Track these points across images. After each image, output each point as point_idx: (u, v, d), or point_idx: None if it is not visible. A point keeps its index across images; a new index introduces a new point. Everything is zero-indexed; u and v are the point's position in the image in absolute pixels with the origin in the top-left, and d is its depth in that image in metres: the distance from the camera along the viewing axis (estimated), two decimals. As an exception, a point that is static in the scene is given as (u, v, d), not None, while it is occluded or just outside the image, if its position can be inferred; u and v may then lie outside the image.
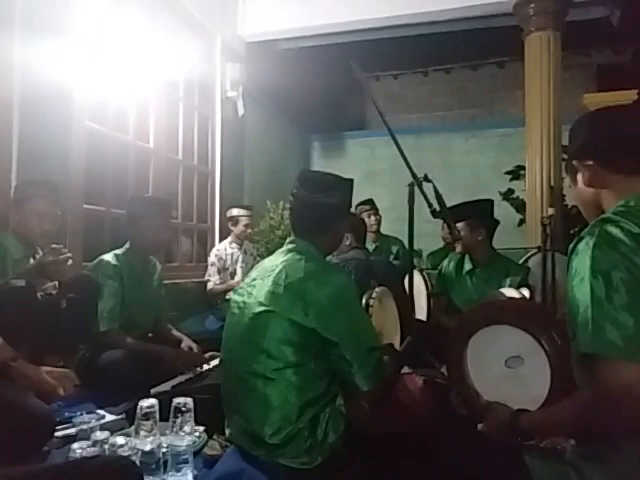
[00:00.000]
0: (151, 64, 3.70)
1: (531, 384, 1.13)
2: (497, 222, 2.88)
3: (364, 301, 1.85)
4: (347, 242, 2.66)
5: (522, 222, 4.83)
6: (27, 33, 2.59)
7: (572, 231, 4.07)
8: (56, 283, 2.06)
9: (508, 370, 1.17)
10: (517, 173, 5.19)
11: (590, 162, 1.13)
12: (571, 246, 1.03)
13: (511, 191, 5.38)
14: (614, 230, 0.96)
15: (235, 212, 4.06)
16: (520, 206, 5.05)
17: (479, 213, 2.80)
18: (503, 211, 5.27)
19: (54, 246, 1.99)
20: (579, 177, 1.18)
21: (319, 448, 1.42)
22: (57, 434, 1.64)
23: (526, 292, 2.45)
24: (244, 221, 4.02)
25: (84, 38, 3.04)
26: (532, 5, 4.10)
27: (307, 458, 1.42)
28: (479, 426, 1.17)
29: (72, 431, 1.66)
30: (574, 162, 1.19)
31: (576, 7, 4.18)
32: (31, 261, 2.14)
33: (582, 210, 1.24)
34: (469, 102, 6.75)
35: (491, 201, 2.92)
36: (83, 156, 3.08)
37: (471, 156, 6.27)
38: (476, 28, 4.62)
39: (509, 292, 2.40)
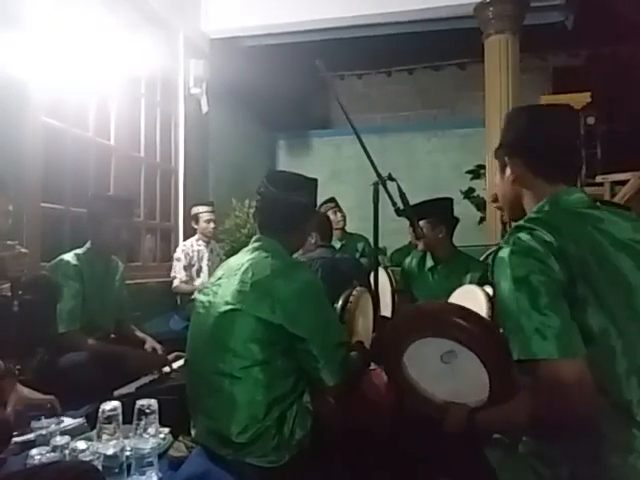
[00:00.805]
0: (112, 59, 3.61)
1: (471, 372, 1.17)
2: (457, 220, 2.95)
3: (342, 300, 1.86)
4: (312, 241, 2.67)
5: (482, 220, 4.95)
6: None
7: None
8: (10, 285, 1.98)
9: (446, 365, 1.21)
10: (477, 172, 5.32)
11: (516, 160, 1.18)
12: (491, 256, 1.08)
13: (472, 190, 5.51)
14: (527, 237, 1.02)
15: (195, 210, 4.04)
16: (480, 204, 5.18)
17: (440, 211, 2.87)
18: (464, 209, 5.38)
19: (9, 242, 1.92)
20: (506, 173, 1.22)
21: (286, 446, 1.43)
22: (14, 440, 1.59)
23: (489, 289, 2.51)
24: (205, 217, 3.98)
25: (42, 31, 2.94)
26: (491, 8, 4.20)
27: (274, 456, 1.42)
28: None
29: (30, 436, 1.61)
30: (504, 157, 1.22)
31: (533, 11, 4.32)
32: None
33: (504, 206, 1.28)
34: (431, 102, 6.86)
35: (451, 199, 2.99)
36: (40, 152, 2.99)
37: (433, 155, 6.38)
38: (438, 30, 4.70)
39: (472, 290, 2.45)
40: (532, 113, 1.22)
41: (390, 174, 1.80)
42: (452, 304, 1.27)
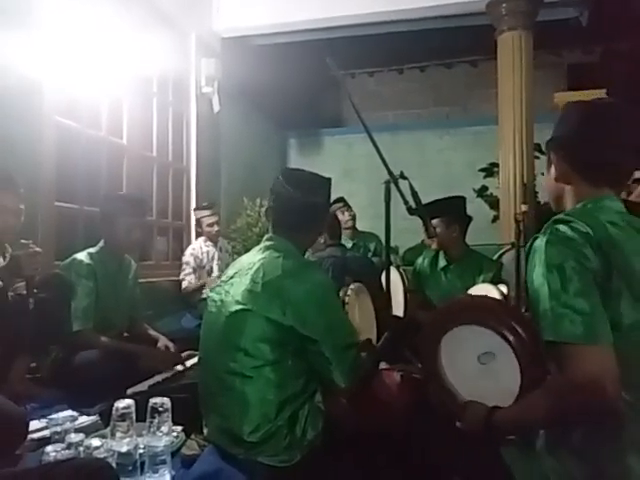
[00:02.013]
0: (125, 59, 3.63)
1: (504, 379, 1.15)
2: (470, 218, 2.93)
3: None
4: (321, 240, 2.67)
5: (496, 219, 4.91)
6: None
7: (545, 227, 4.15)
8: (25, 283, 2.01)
9: (481, 366, 1.19)
10: (491, 170, 5.27)
11: (561, 156, 1.16)
12: (527, 246, 1.08)
13: (485, 188, 5.47)
14: (565, 228, 1.03)
15: (197, 214, 4.06)
16: (494, 203, 5.13)
17: (453, 210, 2.85)
18: (477, 208, 5.34)
19: (23, 241, 1.94)
20: (552, 169, 1.20)
21: (298, 445, 1.43)
22: (30, 437, 1.61)
23: (504, 288, 2.49)
24: (207, 221, 3.98)
25: (55, 32, 2.97)
26: (504, 5, 4.16)
27: (286, 456, 1.42)
28: (457, 424, 1.19)
29: (46, 433, 1.63)
30: (549, 151, 1.21)
31: (547, 7, 4.27)
32: (0, 260, 2.08)
33: (549, 200, 1.28)
34: (443, 100, 6.82)
35: (463, 198, 2.97)
36: (54, 152, 3.01)
37: (445, 153, 6.34)
38: (450, 27, 4.67)
39: (487, 289, 2.43)
40: (587, 108, 1.17)
41: (402, 172, 1.79)
42: (509, 304, 1.24)
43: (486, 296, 1.46)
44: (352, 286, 2.03)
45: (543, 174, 1.50)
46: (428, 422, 1.35)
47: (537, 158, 4.26)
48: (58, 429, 1.59)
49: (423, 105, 6.90)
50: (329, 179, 1.69)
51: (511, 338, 1.13)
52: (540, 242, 1.05)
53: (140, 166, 3.92)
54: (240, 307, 1.48)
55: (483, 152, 5.53)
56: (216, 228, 3.99)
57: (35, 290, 2.00)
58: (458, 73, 6.76)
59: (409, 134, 6.45)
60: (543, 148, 4.72)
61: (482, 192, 5.47)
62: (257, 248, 1.65)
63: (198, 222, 4.04)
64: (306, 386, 1.49)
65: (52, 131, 3.00)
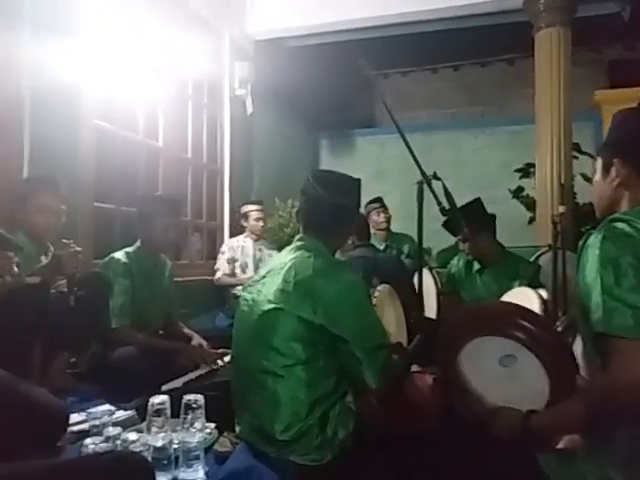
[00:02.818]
0: (160, 62, 3.71)
1: (530, 380, 1.13)
2: (494, 216, 2.87)
3: None
4: (350, 241, 2.66)
5: (532, 220, 4.80)
6: (36, 32, 2.61)
7: (583, 229, 4.04)
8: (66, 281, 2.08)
9: (504, 369, 1.17)
10: (527, 171, 5.16)
11: (625, 161, 1.13)
12: (581, 242, 1.06)
13: (521, 189, 5.35)
14: (622, 225, 1.02)
15: (246, 208, 4.12)
16: (530, 204, 5.02)
17: (476, 217, 2.76)
18: (513, 209, 5.25)
19: (64, 241, 2.01)
20: (611, 173, 1.17)
21: (329, 445, 1.43)
22: (70, 429, 1.66)
23: (544, 292, 2.42)
24: (255, 215, 4.05)
25: (93, 37, 3.06)
26: (542, 1, 4.06)
27: (317, 455, 1.42)
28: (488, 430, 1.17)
29: (85, 426, 1.68)
30: (611, 157, 1.18)
31: (586, 3, 4.15)
32: (42, 258, 2.16)
33: (596, 206, 1.25)
34: (478, 99, 6.70)
35: (478, 198, 2.89)
36: (93, 154, 3.10)
37: (481, 153, 6.23)
38: (485, 25, 4.59)
39: (525, 293, 2.37)
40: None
41: (435, 173, 1.77)
42: (519, 305, 1.22)
43: (499, 302, 1.43)
44: (380, 287, 2.02)
45: (583, 175, 1.46)
46: (460, 425, 1.33)
47: (575, 158, 4.14)
48: (97, 422, 1.64)
49: (457, 104, 6.80)
50: (359, 180, 1.69)
51: (526, 340, 1.11)
52: (595, 239, 1.03)
53: (175, 167, 4.00)
54: (272, 306, 1.49)
55: (519, 152, 5.41)
56: (261, 224, 4.07)
57: (75, 288, 2.06)
58: (493, 72, 6.64)
59: (443, 134, 6.37)
60: (582, 148, 4.62)
61: (518, 193, 5.35)
62: (289, 248, 1.66)
63: (245, 216, 4.10)
64: (337, 386, 1.49)
65: (91, 134, 3.09)
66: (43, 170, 2.55)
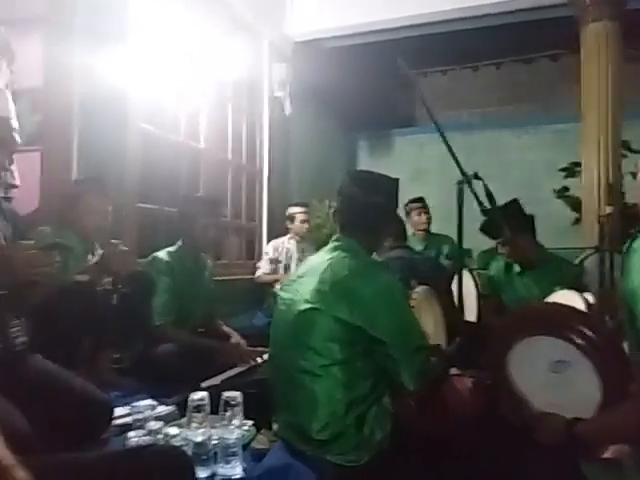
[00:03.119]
0: (202, 66, 3.79)
1: (582, 389, 1.09)
2: (532, 217, 2.79)
3: None
4: (385, 243, 2.64)
5: (578, 221, 4.65)
6: (86, 40, 2.71)
7: (632, 230, 3.87)
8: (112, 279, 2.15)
9: (555, 375, 1.13)
10: (572, 170, 4.98)
11: None
12: (626, 245, 1.02)
13: (566, 189, 5.18)
14: None
15: (291, 210, 4.17)
16: (575, 204, 4.85)
17: (515, 217, 2.67)
18: (557, 209, 5.09)
19: (113, 241, 2.08)
20: None
21: (366, 446, 1.43)
22: (114, 422, 1.71)
23: (589, 296, 2.33)
24: (300, 217, 4.11)
25: (140, 43, 3.15)
26: (588, -6, 3.93)
27: (354, 456, 1.42)
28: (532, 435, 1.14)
29: (128, 420, 1.73)
30: None
31: (638, -6, 3.98)
32: (89, 257, 2.24)
33: None
34: (521, 97, 6.52)
35: (515, 199, 2.80)
36: (138, 156, 3.19)
37: (523, 153, 6.07)
38: (528, 20, 4.46)
39: (569, 296, 2.29)
40: None
41: (476, 173, 1.74)
42: (578, 309, 1.18)
43: (558, 304, 1.38)
44: (418, 289, 2.00)
45: (633, 174, 1.40)
46: (499, 430, 1.31)
47: (624, 157, 3.98)
48: (139, 416, 1.69)
49: (499, 103, 6.64)
50: (396, 180, 1.68)
51: (587, 347, 1.07)
52: None
53: (216, 169, 4.07)
54: (309, 306, 1.50)
55: (564, 151, 5.24)
56: (306, 226, 4.12)
57: (120, 286, 2.14)
58: (537, 69, 6.45)
59: (484, 133, 6.24)
60: (632, 146, 4.43)
61: (563, 193, 5.19)
62: (326, 248, 1.66)
63: (291, 218, 4.15)
64: (375, 387, 1.49)
65: (137, 137, 3.17)
66: (91, 172, 2.65)
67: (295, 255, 4.08)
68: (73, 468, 1.06)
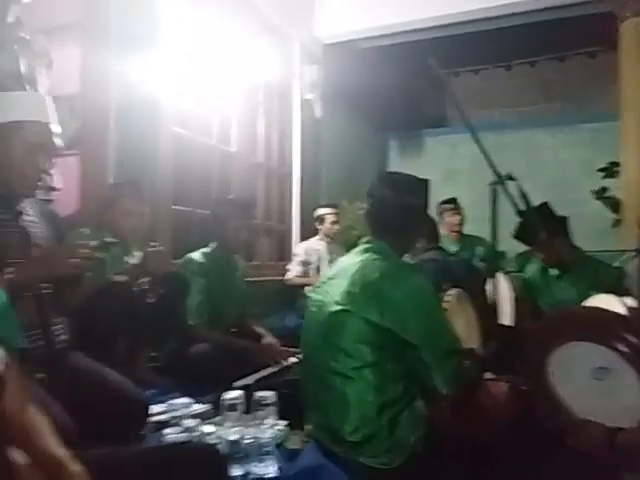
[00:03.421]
0: (233, 70, 3.84)
1: (624, 397, 1.05)
2: (566, 219, 2.72)
3: None
4: (419, 245, 2.61)
5: (617, 223, 4.50)
6: (120, 46, 2.78)
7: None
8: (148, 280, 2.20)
9: (596, 382, 1.10)
10: (611, 170, 4.84)
11: None
12: None
13: (604, 189, 5.03)
14: None
15: (321, 211, 4.19)
16: (615, 205, 4.70)
17: (547, 219, 2.61)
18: (596, 211, 4.95)
19: (151, 244, 2.13)
20: None
21: (398, 449, 1.42)
22: (151, 419, 1.75)
23: (630, 301, 2.26)
24: (330, 219, 4.11)
25: (171, 47, 3.21)
26: (628, -11, 3.81)
27: (386, 458, 1.42)
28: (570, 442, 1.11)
29: (164, 417, 1.76)
30: None
31: (681, -12, 3.84)
32: (125, 258, 2.30)
33: None
34: (556, 96, 6.37)
35: (546, 203, 2.73)
36: (171, 160, 3.25)
37: (559, 153, 5.93)
38: (564, 17, 4.36)
39: (608, 300, 2.22)
40: None
41: (510, 173, 1.71)
42: (621, 315, 1.15)
43: (599, 308, 1.34)
44: (451, 292, 1.97)
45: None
46: (535, 436, 1.28)
47: None
48: (175, 414, 1.72)
49: (533, 102, 6.50)
50: (426, 180, 1.66)
51: (630, 354, 1.04)
52: None
53: (247, 171, 4.12)
54: (339, 308, 1.50)
55: (600, 151, 5.10)
56: (337, 227, 4.13)
57: (155, 287, 2.18)
58: (573, 66, 6.29)
59: (517, 133, 6.12)
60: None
61: (601, 194, 5.03)
62: (356, 250, 1.66)
63: (321, 219, 4.17)
64: (407, 390, 1.48)
65: (170, 141, 3.24)
66: (127, 175, 2.72)
67: (325, 256, 4.08)
68: (112, 463, 1.09)
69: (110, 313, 1.81)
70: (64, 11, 3.08)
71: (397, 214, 1.60)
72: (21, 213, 1.59)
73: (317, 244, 4.13)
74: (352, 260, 1.60)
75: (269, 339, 2.69)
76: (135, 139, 2.87)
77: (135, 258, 2.23)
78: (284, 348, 2.60)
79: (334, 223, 4.11)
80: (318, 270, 4.04)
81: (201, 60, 3.51)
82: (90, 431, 1.35)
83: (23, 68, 2.10)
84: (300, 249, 4.13)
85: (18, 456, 0.93)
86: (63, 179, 2.92)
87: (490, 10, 4.31)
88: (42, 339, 1.55)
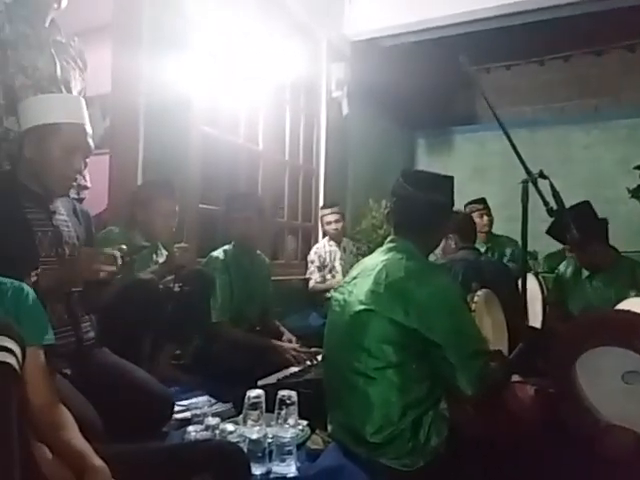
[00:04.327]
0: (260, 68, 3.85)
1: None
2: (606, 222, 2.62)
3: None
4: (452, 243, 2.57)
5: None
6: (152, 47, 2.81)
7: None
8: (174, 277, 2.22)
9: (627, 386, 1.05)
10: (649, 168, 4.67)
11: None
12: None
13: (642, 187, 4.86)
14: None
15: (321, 212, 4.19)
16: (653, 204, 4.54)
17: (585, 220, 2.50)
18: (632, 210, 4.79)
19: (182, 245, 2.16)
20: None
21: (421, 451, 1.40)
22: (174, 417, 1.77)
23: None
24: (327, 219, 4.08)
25: (201, 48, 3.24)
26: (669, -21, 3.66)
27: (408, 460, 1.40)
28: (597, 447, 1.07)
29: (187, 415, 1.78)
30: None
31: None
32: (153, 256, 2.33)
33: None
34: (591, 91, 6.18)
35: (587, 202, 2.64)
36: (199, 158, 3.28)
37: (593, 150, 5.75)
38: (600, 10, 4.21)
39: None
40: None
41: (542, 171, 1.66)
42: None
43: (630, 312, 1.29)
44: (479, 292, 1.93)
45: None
46: (561, 441, 1.24)
47: None
48: (198, 412, 1.74)
49: (567, 98, 6.33)
50: (451, 178, 1.63)
51: None
52: None
53: (273, 170, 4.13)
54: (363, 307, 1.49)
55: (638, 147, 4.92)
56: (334, 226, 4.06)
57: (181, 284, 2.20)
58: (610, 60, 6.09)
59: (550, 130, 5.97)
60: None
61: (637, 192, 4.86)
62: (380, 249, 1.64)
63: (322, 221, 4.17)
64: (430, 391, 1.46)
65: (198, 140, 3.26)
66: (156, 174, 2.75)
67: (338, 254, 4.06)
68: (135, 458, 1.10)
69: (136, 311, 1.83)
70: (96, 13, 3.15)
71: (421, 213, 1.58)
72: (54, 212, 1.63)
73: (328, 245, 4.11)
74: (376, 259, 1.58)
75: (288, 337, 2.69)
76: (164, 138, 2.90)
77: (162, 257, 2.26)
78: (307, 348, 2.59)
79: (330, 223, 4.06)
80: (333, 270, 4.03)
81: (228, 59, 3.54)
82: (116, 427, 1.38)
83: (59, 71, 2.14)
84: (313, 255, 4.08)
85: (43, 450, 0.96)
86: (93, 178, 2.99)
87: (520, 4, 4.20)
88: (72, 336, 1.58)
